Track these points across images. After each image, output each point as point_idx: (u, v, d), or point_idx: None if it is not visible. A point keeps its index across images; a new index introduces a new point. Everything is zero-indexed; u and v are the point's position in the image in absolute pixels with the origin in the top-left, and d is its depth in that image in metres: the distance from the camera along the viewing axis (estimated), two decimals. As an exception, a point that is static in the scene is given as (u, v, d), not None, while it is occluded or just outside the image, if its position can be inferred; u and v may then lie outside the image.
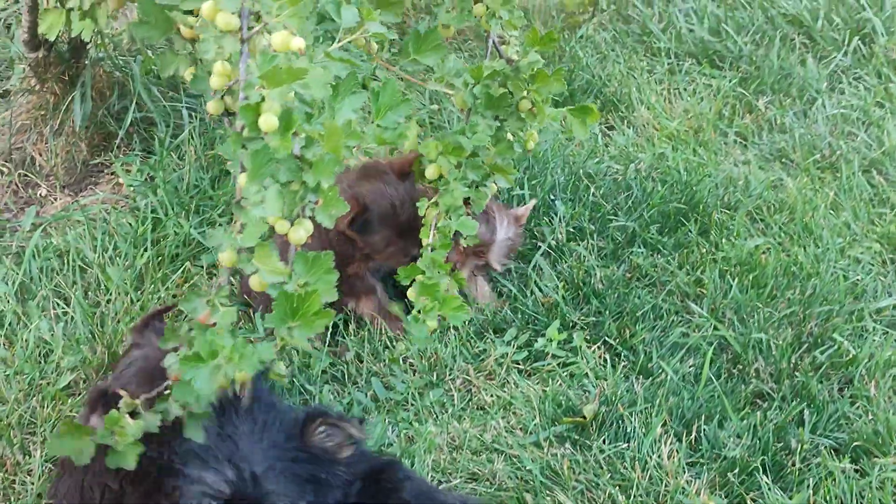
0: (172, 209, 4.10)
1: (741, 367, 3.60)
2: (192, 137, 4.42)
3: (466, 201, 3.24)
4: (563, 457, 3.27)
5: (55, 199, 4.36)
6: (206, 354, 2.29)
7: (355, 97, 2.60)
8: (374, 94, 2.77)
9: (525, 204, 4.01)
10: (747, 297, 3.81)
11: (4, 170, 4.43)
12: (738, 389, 3.52)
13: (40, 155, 4.47)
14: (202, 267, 3.90)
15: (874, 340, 3.65)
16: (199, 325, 2.39)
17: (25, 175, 4.42)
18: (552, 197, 4.27)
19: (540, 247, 4.04)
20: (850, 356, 3.58)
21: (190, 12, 2.61)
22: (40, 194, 4.38)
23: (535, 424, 3.39)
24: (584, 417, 3.40)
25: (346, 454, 2.59)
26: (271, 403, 2.56)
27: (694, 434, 3.35)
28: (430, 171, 3.14)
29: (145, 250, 3.92)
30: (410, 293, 2.99)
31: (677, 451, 3.29)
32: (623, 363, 3.66)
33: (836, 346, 3.60)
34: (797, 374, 3.52)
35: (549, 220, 4.13)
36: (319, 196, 2.54)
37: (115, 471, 2.49)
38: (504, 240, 3.83)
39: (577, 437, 3.37)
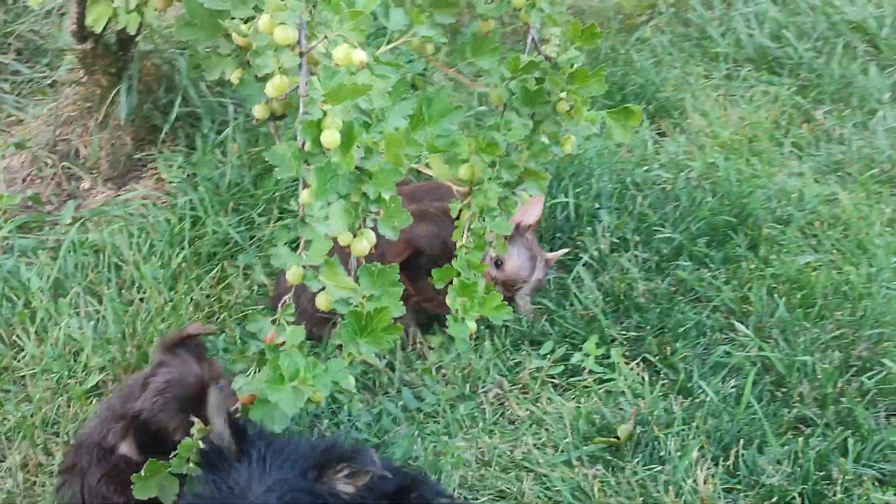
0: (212, 207, 4.05)
1: (784, 389, 3.48)
2: (236, 134, 4.36)
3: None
4: (594, 478, 3.18)
5: (97, 193, 4.33)
6: (288, 375, 2.30)
7: (405, 103, 2.57)
8: (426, 100, 2.69)
9: (560, 250, 3.94)
10: (794, 317, 3.67)
11: (49, 161, 4.40)
12: (781, 413, 3.40)
13: (85, 147, 4.44)
14: (238, 267, 3.85)
15: (927, 366, 3.50)
16: (269, 345, 2.41)
17: (69, 167, 4.40)
18: (597, 206, 4.16)
19: (581, 257, 3.93)
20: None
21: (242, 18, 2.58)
22: (83, 187, 4.35)
23: (566, 442, 3.30)
24: (618, 438, 3.30)
25: (361, 483, 2.48)
26: (269, 437, 2.46)
27: (732, 459, 3.24)
28: (464, 171, 3.04)
29: (182, 249, 3.87)
30: (449, 298, 2.90)
31: (713, 476, 3.18)
32: (662, 381, 3.56)
33: (885, 372, 3.46)
34: (843, 399, 3.38)
35: (593, 230, 4.02)
36: (381, 207, 2.51)
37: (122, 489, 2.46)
38: (536, 280, 3.74)
39: (610, 457, 3.27)
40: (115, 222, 4.06)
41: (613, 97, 4.84)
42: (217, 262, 3.87)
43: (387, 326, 2.48)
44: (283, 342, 2.46)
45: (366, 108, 2.42)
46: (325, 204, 2.40)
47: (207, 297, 3.71)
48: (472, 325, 2.88)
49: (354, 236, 2.54)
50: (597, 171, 4.30)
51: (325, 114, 2.32)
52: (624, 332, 3.69)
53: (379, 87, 2.40)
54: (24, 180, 4.38)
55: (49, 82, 4.82)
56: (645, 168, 4.43)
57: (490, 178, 3.01)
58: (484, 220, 3.02)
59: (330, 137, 2.31)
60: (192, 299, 3.67)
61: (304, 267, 2.44)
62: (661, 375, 3.58)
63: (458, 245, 2.99)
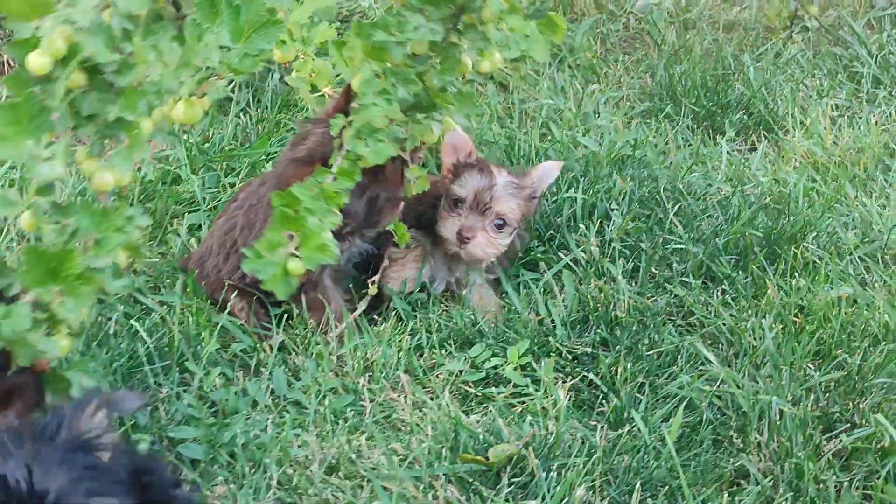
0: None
1: (743, 436, 2.64)
2: None
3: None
4: (434, 499, 2.48)
5: None
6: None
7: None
8: (231, 9, 2.18)
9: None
10: (785, 353, 2.82)
11: None
12: (722, 463, 2.57)
13: None
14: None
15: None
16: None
17: None
18: (613, 207, 3.43)
19: (565, 258, 3.24)
20: (889, 443, 2.51)
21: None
22: None
23: (428, 457, 2.62)
24: (488, 459, 2.59)
25: (109, 440, 1.96)
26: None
27: (632, 508, 2.46)
28: (356, 82, 2.49)
29: None
30: (270, 230, 2.36)
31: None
32: (601, 408, 2.80)
33: (871, 429, 2.55)
34: (800, 455, 2.51)
35: (601, 231, 3.35)
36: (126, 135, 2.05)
37: None
38: (507, 184, 3.09)
39: (476, 482, 2.56)
40: None
41: (703, 104, 4.09)
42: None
43: (82, 276, 2.02)
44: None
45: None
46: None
47: None
48: (296, 266, 2.34)
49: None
50: (630, 172, 3.58)
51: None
52: (579, 346, 2.96)
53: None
54: None
55: None
56: (695, 174, 3.64)
57: (377, 92, 2.44)
58: (365, 144, 2.44)
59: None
60: None
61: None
62: (600, 401, 2.82)
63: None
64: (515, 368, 2.90)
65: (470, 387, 2.90)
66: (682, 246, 3.27)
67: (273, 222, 2.40)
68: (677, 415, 2.65)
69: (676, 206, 3.43)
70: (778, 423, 2.61)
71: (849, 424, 2.64)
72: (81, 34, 1.94)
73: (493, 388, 2.89)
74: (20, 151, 2.02)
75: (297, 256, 2.35)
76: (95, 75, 2.04)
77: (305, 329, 2.99)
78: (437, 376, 2.92)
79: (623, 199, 3.46)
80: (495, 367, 2.95)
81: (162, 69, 2.01)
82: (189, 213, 3.50)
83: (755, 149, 3.99)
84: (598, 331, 3.02)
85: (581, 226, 3.33)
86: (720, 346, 2.99)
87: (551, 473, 2.53)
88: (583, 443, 2.66)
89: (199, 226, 3.45)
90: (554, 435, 2.64)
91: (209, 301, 3.06)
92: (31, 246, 1.99)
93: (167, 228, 3.45)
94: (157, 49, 2.01)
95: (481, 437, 2.67)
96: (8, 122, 1.99)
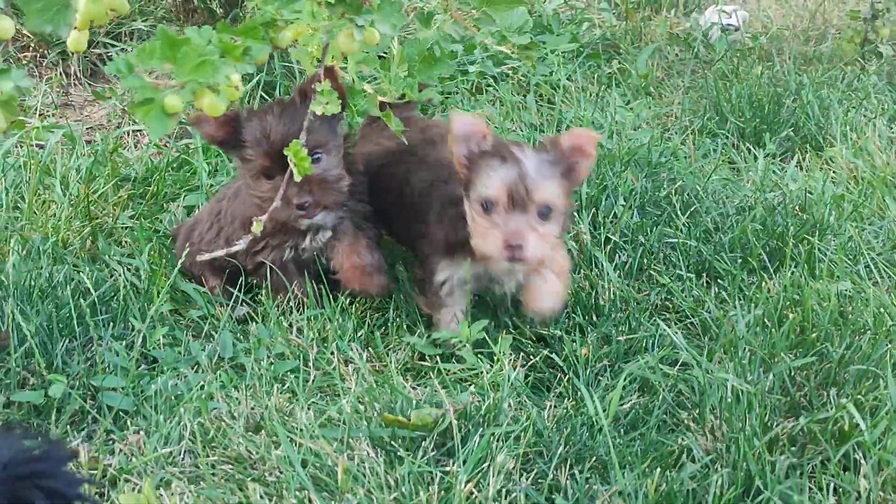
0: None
1: (697, 416, 2.39)
2: None
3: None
4: (351, 460, 2.32)
5: None
6: None
7: None
8: None
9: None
10: (764, 341, 2.56)
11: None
12: (665, 442, 2.33)
13: None
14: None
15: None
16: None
17: None
18: (622, 202, 3.24)
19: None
20: (852, 429, 2.23)
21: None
22: None
23: (349, 418, 2.45)
24: (409, 421, 2.41)
25: None
26: None
27: (563, 480, 2.25)
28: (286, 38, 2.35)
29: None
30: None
31: (511, 492, 2.21)
32: (558, 389, 2.60)
33: (834, 417, 2.27)
34: (745, 433, 2.25)
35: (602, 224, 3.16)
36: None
37: None
38: (539, 164, 2.50)
39: (397, 444, 2.37)
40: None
41: (750, 122, 3.86)
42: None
43: None
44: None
45: None
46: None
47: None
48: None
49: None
50: (645, 171, 3.40)
51: None
52: (542, 329, 2.76)
53: None
54: None
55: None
56: (718, 178, 3.42)
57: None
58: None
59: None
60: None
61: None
62: (558, 383, 2.62)
63: None
64: (470, 345, 2.70)
65: (426, 361, 2.72)
66: (684, 241, 3.03)
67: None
68: (616, 389, 2.41)
69: (687, 207, 3.20)
70: (730, 402, 2.34)
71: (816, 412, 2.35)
72: None
73: (449, 364, 2.69)
74: None
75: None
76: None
77: (268, 302, 2.87)
78: (395, 352, 2.75)
79: (631, 195, 3.25)
80: (453, 343, 2.75)
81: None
82: (187, 194, 3.44)
83: (800, 166, 3.71)
84: (574, 316, 2.81)
85: (575, 215, 3.13)
86: (699, 336, 2.74)
87: (473, 438, 2.32)
88: (527, 417, 2.44)
89: (197, 207, 3.38)
90: (488, 405, 2.43)
91: (180, 270, 2.95)
92: None
93: (164, 207, 3.40)
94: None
95: (419, 404, 2.48)
96: None
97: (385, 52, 3.63)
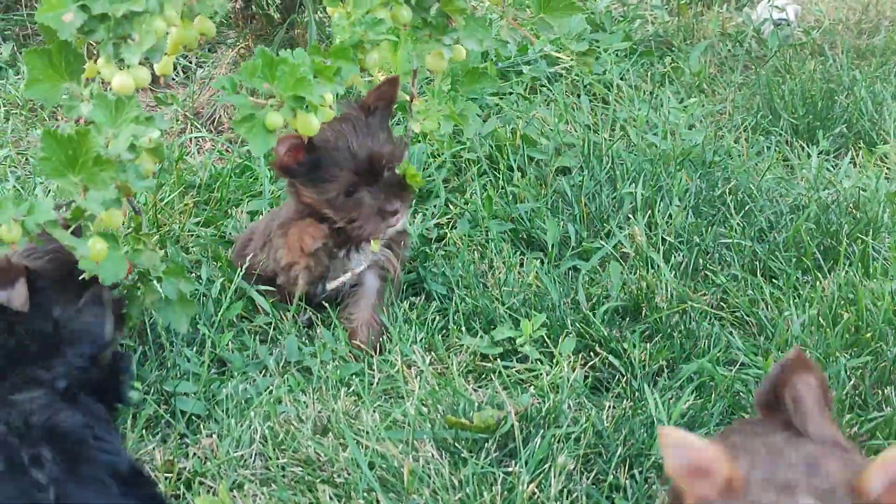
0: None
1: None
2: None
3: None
4: (416, 461, 2.40)
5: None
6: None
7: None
8: None
9: None
10: (818, 340, 2.61)
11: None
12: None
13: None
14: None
15: None
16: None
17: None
18: (676, 203, 3.28)
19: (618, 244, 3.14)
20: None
21: None
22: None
23: (431, 423, 2.54)
24: (472, 423, 2.48)
25: None
26: None
27: (623, 479, 2.31)
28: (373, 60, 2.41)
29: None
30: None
31: (573, 492, 2.28)
32: (617, 389, 2.66)
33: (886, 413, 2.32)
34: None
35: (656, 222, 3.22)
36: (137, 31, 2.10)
37: None
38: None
39: (461, 446, 2.45)
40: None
41: (803, 118, 3.88)
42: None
43: (100, 160, 1.98)
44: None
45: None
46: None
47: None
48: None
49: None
50: (699, 171, 3.44)
51: None
52: (600, 330, 2.82)
53: None
54: None
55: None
56: (772, 177, 3.45)
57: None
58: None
59: None
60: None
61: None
62: (616, 382, 2.68)
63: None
64: (529, 344, 2.77)
65: (489, 361, 2.79)
66: (738, 241, 3.07)
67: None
68: (684, 395, 2.48)
69: (742, 206, 3.24)
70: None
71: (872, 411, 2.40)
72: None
73: (509, 363, 2.76)
74: (55, 93, 2.09)
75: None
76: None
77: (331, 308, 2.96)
78: (456, 354, 2.82)
79: (686, 195, 3.30)
80: (510, 340, 2.82)
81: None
82: (250, 199, 3.52)
83: (854, 163, 3.73)
84: (632, 317, 2.87)
85: (630, 218, 3.19)
86: (755, 336, 2.78)
87: (534, 440, 2.39)
88: (587, 419, 2.50)
89: (261, 213, 3.46)
90: (548, 406, 2.50)
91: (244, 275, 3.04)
92: (48, 129, 1.97)
93: (228, 213, 3.48)
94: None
95: (481, 406, 2.56)
96: (42, 67, 2.07)
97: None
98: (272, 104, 2.00)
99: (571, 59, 2.56)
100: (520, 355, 2.82)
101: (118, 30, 2.05)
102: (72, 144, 1.97)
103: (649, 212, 3.26)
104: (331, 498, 2.34)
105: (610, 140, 3.70)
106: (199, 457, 2.48)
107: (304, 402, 2.64)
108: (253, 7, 4.44)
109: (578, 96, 4.17)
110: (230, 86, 2.00)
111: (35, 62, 2.07)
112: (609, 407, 2.59)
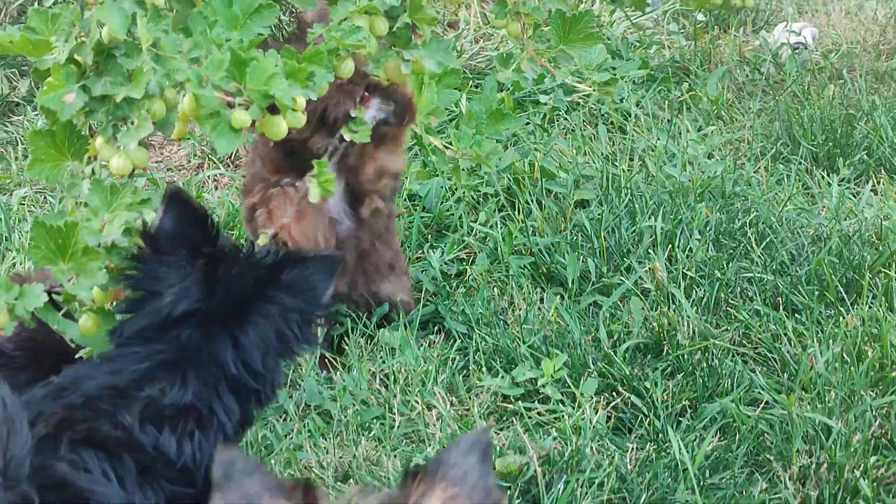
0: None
1: (783, 459, 2.42)
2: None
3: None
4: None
5: None
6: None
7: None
8: None
9: None
10: (842, 378, 2.58)
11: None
12: (753, 489, 2.36)
13: None
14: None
15: None
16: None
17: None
18: (697, 237, 3.26)
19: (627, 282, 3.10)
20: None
21: None
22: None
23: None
24: (494, 469, 2.45)
25: None
26: None
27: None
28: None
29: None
30: None
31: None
32: (640, 431, 2.64)
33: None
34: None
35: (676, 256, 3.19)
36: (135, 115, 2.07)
37: None
38: None
39: (482, 492, 2.42)
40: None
41: (822, 146, 3.86)
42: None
43: (88, 250, 1.97)
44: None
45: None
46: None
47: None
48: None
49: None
50: (719, 203, 3.42)
51: None
52: (623, 368, 2.80)
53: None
54: None
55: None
56: (792, 208, 3.43)
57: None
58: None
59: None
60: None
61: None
62: (640, 423, 2.66)
63: None
64: (551, 384, 2.75)
65: (510, 402, 2.77)
66: (760, 275, 3.05)
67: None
68: (707, 437, 2.46)
69: (763, 239, 3.21)
70: (827, 444, 2.37)
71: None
72: (101, 10, 1.94)
73: (529, 404, 2.74)
74: (57, 173, 2.09)
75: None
76: (109, 59, 2.05)
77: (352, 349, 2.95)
78: (477, 395, 2.81)
79: (706, 228, 3.28)
80: (531, 381, 2.80)
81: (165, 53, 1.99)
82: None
83: (874, 191, 3.70)
84: (654, 354, 2.85)
85: (651, 252, 3.17)
86: (777, 373, 2.76)
87: (557, 486, 2.37)
88: (609, 462, 2.48)
89: (279, 252, 3.45)
90: (571, 450, 2.48)
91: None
92: (38, 218, 1.95)
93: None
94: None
95: (502, 451, 2.54)
96: (46, 148, 2.07)
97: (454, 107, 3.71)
98: (240, 102, 1.95)
99: (592, 89, 2.53)
100: (541, 396, 2.79)
101: (117, 112, 2.04)
102: (61, 234, 1.95)
103: (669, 246, 3.23)
104: (353, 547, 2.32)
105: (629, 172, 3.68)
106: (220, 506, 2.46)
107: (325, 448, 2.63)
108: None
109: (596, 126, 4.14)
110: (196, 79, 1.94)
111: (39, 143, 2.06)
112: (632, 449, 2.56)
